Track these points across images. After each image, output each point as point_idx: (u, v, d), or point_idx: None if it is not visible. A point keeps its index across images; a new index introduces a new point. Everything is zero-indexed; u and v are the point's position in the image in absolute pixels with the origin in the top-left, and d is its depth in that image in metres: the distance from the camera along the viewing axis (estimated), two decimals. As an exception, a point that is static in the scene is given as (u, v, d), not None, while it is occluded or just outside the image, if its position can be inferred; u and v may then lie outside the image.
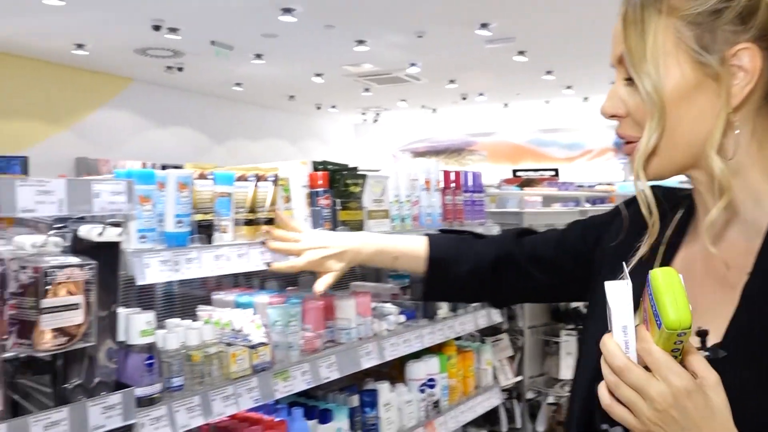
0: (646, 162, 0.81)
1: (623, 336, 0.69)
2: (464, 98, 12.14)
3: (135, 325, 1.35)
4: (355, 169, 1.96)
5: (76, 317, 1.16)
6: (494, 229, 2.44)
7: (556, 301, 2.96)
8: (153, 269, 1.35)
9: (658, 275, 0.66)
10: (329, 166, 1.92)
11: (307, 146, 14.04)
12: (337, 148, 14.85)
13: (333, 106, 13.36)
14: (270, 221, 1.60)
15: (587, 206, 4.06)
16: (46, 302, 1.12)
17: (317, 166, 1.92)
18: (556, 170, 13.90)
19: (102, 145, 9.60)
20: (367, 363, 1.98)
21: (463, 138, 15.11)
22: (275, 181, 1.61)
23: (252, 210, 1.57)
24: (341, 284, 2.79)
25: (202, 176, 1.45)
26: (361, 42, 8.11)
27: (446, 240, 1.35)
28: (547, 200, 4.75)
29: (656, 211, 0.83)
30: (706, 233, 0.81)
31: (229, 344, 1.65)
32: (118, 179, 1.26)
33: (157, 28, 7.22)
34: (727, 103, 0.78)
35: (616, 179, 11.96)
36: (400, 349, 2.13)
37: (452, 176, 2.44)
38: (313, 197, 1.81)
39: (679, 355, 0.67)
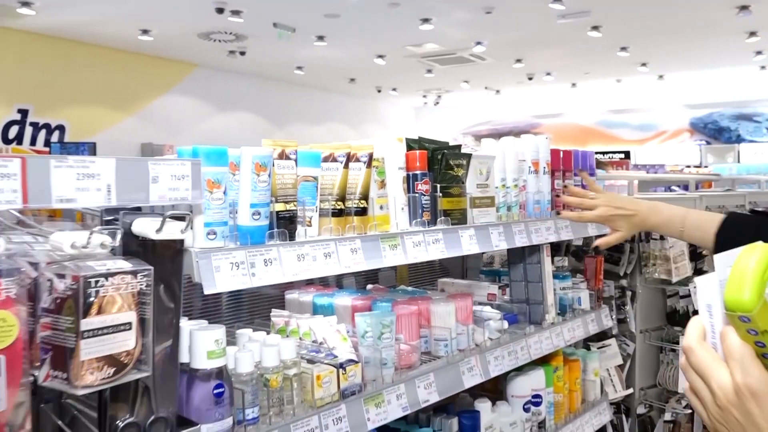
0: None
1: (708, 317, 0.60)
2: (530, 78, 11.58)
3: (201, 344, 1.07)
4: (457, 147, 1.62)
5: (127, 341, 0.88)
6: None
7: None
8: (224, 274, 1.06)
9: (744, 251, 0.56)
10: (426, 144, 1.59)
11: (367, 130, 13.78)
12: (397, 132, 14.49)
13: (394, 89, 13.00)
14: (363, 211, 1.29)
15: (686, 193, 3.59)
16: (88, 322, 0.84)
17: (411, 143, 1.59)
18: (627, 152, 13.17)
19: (167, 131, 9.62)
20: (470, 381, 1.65)
21: (527, 120, 14.52)
22: (368, 163, 1.30)
23: (341, 198, 1.26)
24: (427, 281, 2.48)
25: (283, 156, 1.14)
26: (425, 20, 7.73)
27: (744, 221, 1.32)
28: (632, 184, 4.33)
29: None
30: None
31: (310, 361, 1.35)
32: (181, 159, 0.97)
33: (220, 11, 7.11)
34: None
35: (692, 161, 11.25)
36: (505, 363, 1.79)
37: (561, 156, 2.07)
38: (410, 181, 1.48)
39: None
